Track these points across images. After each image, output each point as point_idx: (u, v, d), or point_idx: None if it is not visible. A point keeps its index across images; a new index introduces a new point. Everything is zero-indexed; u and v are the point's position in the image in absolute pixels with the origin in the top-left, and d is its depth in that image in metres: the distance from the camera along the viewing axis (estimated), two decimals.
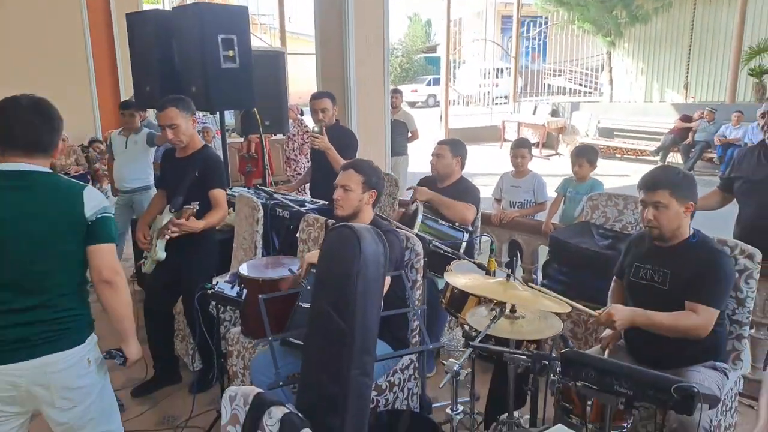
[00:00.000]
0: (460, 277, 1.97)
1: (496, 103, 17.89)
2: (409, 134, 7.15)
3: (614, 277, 2.52)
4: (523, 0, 16.03)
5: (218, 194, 3.01)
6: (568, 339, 1.81)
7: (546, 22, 17.65)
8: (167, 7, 11.44)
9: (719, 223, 3.18)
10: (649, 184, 2.16)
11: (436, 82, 23.66)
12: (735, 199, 3.15)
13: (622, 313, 2.06)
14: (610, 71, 14.79)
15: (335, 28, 5.08)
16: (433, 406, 2.73)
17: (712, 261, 2.08)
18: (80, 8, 7.76)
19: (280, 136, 7.56)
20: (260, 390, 1.18)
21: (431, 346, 1.91)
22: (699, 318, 2.02)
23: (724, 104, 11.46)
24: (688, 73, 13.80)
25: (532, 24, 18.09)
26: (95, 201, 1.80)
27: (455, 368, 1.70)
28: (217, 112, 4.67)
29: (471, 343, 1.71)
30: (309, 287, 2.07)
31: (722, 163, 9.53)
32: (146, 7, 9.78)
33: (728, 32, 12.47)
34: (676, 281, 2.10)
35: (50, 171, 1.84)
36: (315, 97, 4.07)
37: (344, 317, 1.13)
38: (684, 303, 2.07)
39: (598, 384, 1.63)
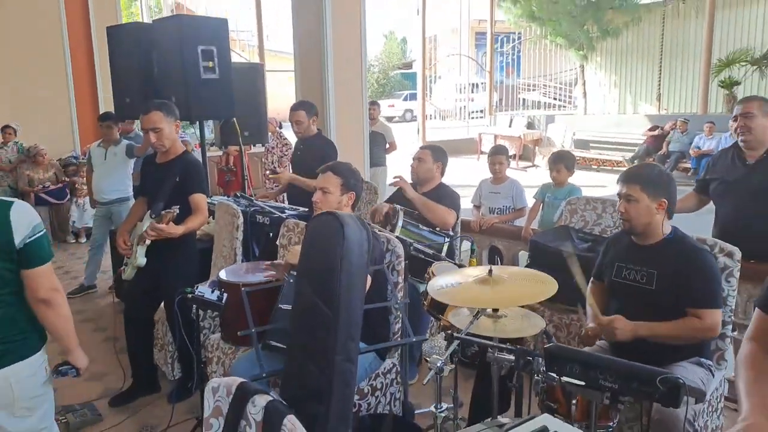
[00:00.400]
0: (441, 280, 1.98)
1: (472, 117, 18.15)
2: (387, 145, 7.21)
3: (592, 279, 2.54)
4: (497, 17, 16.38)
5: (199, 199, 2.99)
6: (551, 335, 1.83)
7: (519, 38, 18.05)
8: (146, 20, 11.43)
9: (699, 227, 3.25)
10: (623, 177, 2.24)
11: (413, 97, 23.93)
12: (711, 201, 3.21)
13: (625, 326, 2.07)
14: (584, 84, 15.14)
15: (314, 44, 5.17)
16: (415, 412, 2.72)
17: (696, 260, 2.10)
18: (60, 22, 7.71)
19: (258, 149, 7.57)
20: (243, 380, 1.18)
21: (414, 339, 1.91)
22: (706, 322, 2.04)
23: (697, 115, 11.81)
24: (660, 85, 14.21)
25: (505, 40, 18.47)
26: (24, 224, 1.72)
27: (438, 364, 1.71)
28: (197, 124, 4.67)
29: (455, 334, 1.73)
30: (291, 283, 2.08)
31: (696, 175, 9.80)
32: (125, 20, 9.77)
33: (698, 44, 12.90)
34: (663, 281, 2.12)
35: None
36: (291, 109, 4.14)
37: (329, 304, 1.14)
38: (669, 302, 2.09)
39: (583, 378, 1.64)
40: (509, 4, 14.42)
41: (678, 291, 2.11)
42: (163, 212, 2.80)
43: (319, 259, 1.18)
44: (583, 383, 1.64)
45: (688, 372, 2.10)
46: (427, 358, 1.73)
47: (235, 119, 4.69)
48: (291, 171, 4.45)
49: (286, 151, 7.17)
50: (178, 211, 2.81)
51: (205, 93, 4.14)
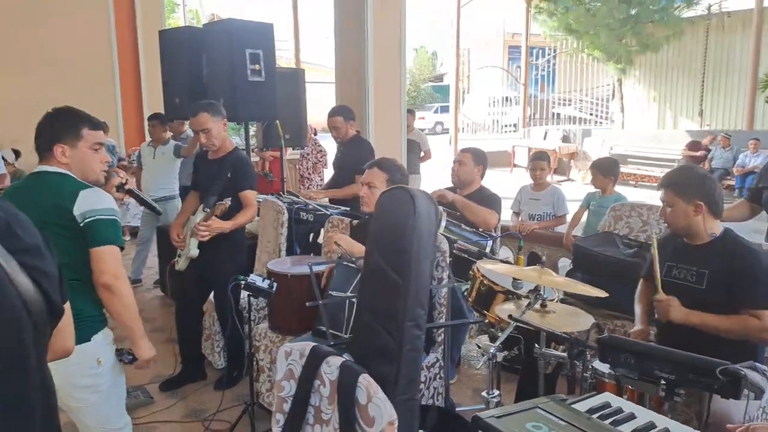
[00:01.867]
0: (491, 265, 2.01)
1: (505, 131, 18.07)
2: (422, 154, 7.27)
3: (642, 279, 2.53)
4: (531, 30, 16.34)
5: (249, 194, 3.09)
6: (603, 327, 1.83)
7: (554, 52, 17.97)
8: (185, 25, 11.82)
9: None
10: (660, 183, 2.28)
11: (443, 109, 24.01)
12: (764, 210, 3.13)
13: (679, 307, 2.07)
14: (621, 98, 14.93)
15: (355, 53, 5.27)
16: (457, 410, 2.73)
17: (752, 260, 2.07)
18: (108, 28, 8.05)
19: (292, 155, 7.74)
20: (315, 344, 1.22)
21: (472, 321, 1.93)
22: (766, 323, 2.01)
23: (742, 131, 11.50)
24: (702, 100, 13.90)
25: (540, 53, 18.40)
26: (87, 203, 1.81)
27: (492, 350, 1.73)
28: (242, 125, 4.81)
29: (512, 315, 1.74)
30: (341, 268, 2.13)
31: (742, 192, 9.48)
32: (169, 26, 10.15)
33: (743, 59, 12.59)
34: (713, 280, 2.10)
35: (62, 171, 1.88)
36: (329, 115, 4.23)
37: (400, 272, 1.18)
38: (720, 302, 2.07)
39: (637, 369, 1.63)
40: (545, 17, 14.38)
41: (731, 290, 2.08)
42: (216, 204, 2.90)
43: (390, 231, 1.22)
44: (637, 375, 1.63)
45: None
46: (479, 344, 1.74)
47: (278, 122, 4.82)
48: (333, 174, 4.52)
49: (321, 157, 7.30)
50: (230, 203, 2.90)
51: (251, 95, 4.26)
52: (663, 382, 1.58)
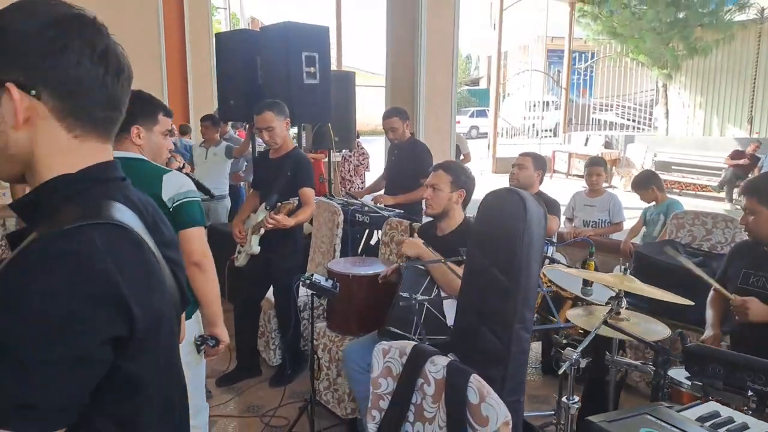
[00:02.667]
0: (563, 269, 1.99)
1: (543, 136, 17.81)
2: (462, 156, 7.27)
3: (713, 290, 2.49)
4: (575, 34, 16.08)
5: (308, 193, 3.13)
6: (686, 337, 1.79)
7: (593, 57, 17.66)
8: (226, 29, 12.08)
9: None
10: (742, 189, 2.28)
11: (479, 114, 23.80)
12: None
13: (757, 307, 2.06)
14: (666, 104, 14.56)
15: (407, 56, 5.29)
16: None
17: None
18: (158, 32, 8.28)
19: (334, 157, 7.80)
20: (416, 342, 1.23)
21: (562, 326, 1.93)
22: None
23: None
24: (752, 107, 13.43)
25: (579, 57, 18.11)
26: (173, 186, 1.86)
27: (574, 356, 1.71)
28: (295, 127, 4.87)
29: (608, 321, 1.72)
30: (408, 271, 2.14)
31: None
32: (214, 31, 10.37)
33: None
34: None
35: (139, 157, 1.93)
36: (384, 117, 4.23)
37: (509, 274, 1.18)
38: None
39: (727, 380, 1.59)
40: (588, 20, 14.15)
41: None
42: (281, 203, 2.95)
43: (497, 231, 1.22)
44: (724, 385, 1.58)
45: None
46: (560, 350, 1.72)
47: (330, 125, 4.87)
48: (383, 176, 4.54)
49: (363, 160, 7.35)
50: (297, 203, 2.94)
51: (306, 97, 4.31)
52: (751, 393, 1.54)
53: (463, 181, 2.58)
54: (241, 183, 6.38)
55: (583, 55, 18.74)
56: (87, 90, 0.78)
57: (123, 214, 0.78)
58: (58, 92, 0.76)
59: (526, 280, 1.18)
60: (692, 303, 2.00)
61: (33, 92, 0.75)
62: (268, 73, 4.52)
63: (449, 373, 1.14)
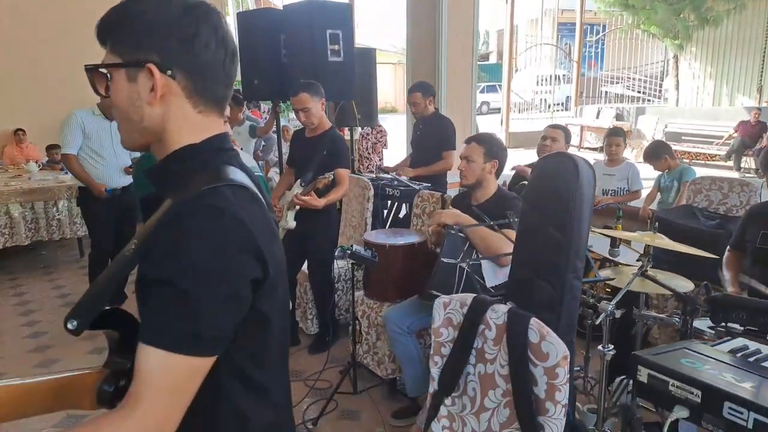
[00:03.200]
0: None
1: (554, 110, 17.77)
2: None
3: (729, 249, 2.62)
4: (586, 6, 15.92)
5: (343, 173, 3.27)
6: (711, 289, 1.95)
7: (604, 29, 17.49)
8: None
9: None
10: (761, 164, 2.32)
11: (490, 89, 23.63)
12: None
13: None
14: (677, 75, 14.49)
15: (428, 35, 5.36)
16: None
17: None
18: None
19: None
20: (476, 295, 1.40)
21: (603, 279, 2.09)
22: None
23: None
24: (762, 76, 13.37)
25: (589, 30, 17.93)
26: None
27: (609, 308, 1.87)
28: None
29: (642, 265, 1.89)
30: (451, 237, 2.30)
31: None
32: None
33: None
34: None
35: None
36: (409, 92, 4.34)
37: (563, 230, 1.33)
38: None
39: (748, 323, 1.75)
40: None
41: None
42: (318, 178, 3.09)
43: (552, 192, 1.37)
44: (743, 330, 1.74)
45: None
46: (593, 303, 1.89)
47: (353, 102, 4.99)
48: (411, 152, 4.67)
49: (381, 138, 7.44)
50: (333, 177, 3.09)
51: (330, 75, 4.38)
52: None
53: (495, 152, 2.72)
54: (259, 162, 6.52)
55: (594, 28, 18.54)
56: (212, 71, 0.89)
57: (242, 177, 0.91)
58: (190, 73, 0.87)
59: (578, 235, 1.33)
60: (716, 257, 2.14)
61: (169, 72, 0.85)
62: (292, 52, 4.59)
63: (510, 318, 1.30)
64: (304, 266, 3.60)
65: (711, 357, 1.25)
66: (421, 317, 2.71)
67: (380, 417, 2.83)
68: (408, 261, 2.98)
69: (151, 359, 0.77)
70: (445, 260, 2.40)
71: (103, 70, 0.88)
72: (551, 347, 1.25)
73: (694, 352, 1.28)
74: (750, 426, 1.06)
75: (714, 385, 1.11)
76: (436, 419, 1.55)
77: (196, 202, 0.81)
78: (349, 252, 2.81)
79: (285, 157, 4.04)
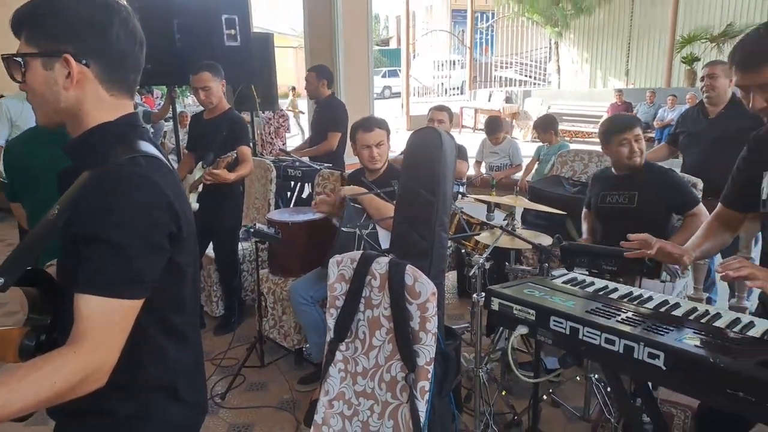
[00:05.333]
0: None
1: (450, 94, 18.63)
2: None
3: (585, 208, 3.09)
4: None
5: (245, 150, 3.36)
6: (563, 240, 2.34)
7: (494, 17, 18.55)
8: None
9: None
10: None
11: (391, 74, 24.15)
12: (679, 151, 3.77)
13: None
14: (557, 60, 15.75)
15: (324, 19, 5.50)
16: None
17: (668, 176, 2.63)
18: None
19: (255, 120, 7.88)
20: (363, 251, 1.64)
21: (473, 233, 2.41)
22: (703, 215, 2.48)
23: (661, 89, 12.57)
24: (628, 61, 14.94)
25: (480, 17, 18.93)
26: None
27: (480, 260, 2.21)
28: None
29: (508, 223, 2.23)
30: (351, 207, 2.54)
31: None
32: None
33: (664, 23, 13.68)
34: (644, 198, 2.64)
35: None
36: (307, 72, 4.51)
37: (433, 192, 1.60)
38: (649, 216, 2.61)
39: (590, 266, 2.15)
40: None
41: (663, 203, 2.59)
42: (220, 158, 3.18)
43: (423, 160, 1.63)
44: (587, 270, 2.14)
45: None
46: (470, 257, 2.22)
47: (253, 86, 5.05)
48: (310, 130, 4.84)
49: (283, 122, 7.50)
50: (235, 155, 3.19)
51: (227, 60, 4.39)
52: (607, 274, 2.11)
53: (389, 130, 2.99)
54: None
55: (485, 15, 19.57)
56: (123, 60, 1.02)
57: (154, 150, 1.06)
58: (103, 62, 1.00)
59: (444, 194, 1.61)
60: (565, 213, 2.54)
61: (84, 62, 0.98)
62: (187, 37, 4.54)
63: (390, 267, 1.56)
64: (209, 250, 3.66)
65: (546, 287, 1.59)
66: (323, 287, 2.92)
67: (288, 385, 2.97)
68: (310, 237, 3.16)
69: (91, 304, 0.90)
70: (344, 229, 2.64)
71: (18, 59, 0.98)
72: (422, 287, 1.52)
73: (535, 284, 1.61)
74: (567, 332, 1.40)
75: (543, 305, 1.44)
76: (333, 364, 1.78)
77: (119, 169, 0.95)
78: (252, 230, 2.95)
79: (183, 144, 4.05)
